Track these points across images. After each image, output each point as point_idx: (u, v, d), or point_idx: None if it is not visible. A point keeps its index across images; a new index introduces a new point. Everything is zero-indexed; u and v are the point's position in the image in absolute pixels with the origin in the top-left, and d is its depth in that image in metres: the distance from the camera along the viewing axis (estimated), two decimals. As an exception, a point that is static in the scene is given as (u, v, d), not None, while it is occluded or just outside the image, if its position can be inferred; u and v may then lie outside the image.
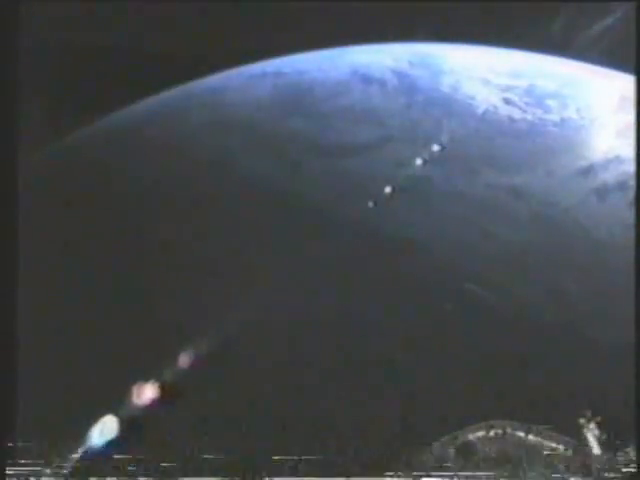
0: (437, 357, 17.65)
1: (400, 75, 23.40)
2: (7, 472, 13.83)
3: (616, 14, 19.52)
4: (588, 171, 21.11)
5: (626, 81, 20.53)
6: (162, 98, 22.33)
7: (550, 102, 22.33)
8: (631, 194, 19.87)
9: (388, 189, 20.06)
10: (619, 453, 15.75)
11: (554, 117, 22.13)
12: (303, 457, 15.26)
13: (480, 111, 22.32)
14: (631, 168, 20.09)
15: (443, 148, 20.88)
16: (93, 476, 14.92)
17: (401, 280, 19.06)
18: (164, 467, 14.89)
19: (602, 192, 20.80)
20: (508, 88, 22.58)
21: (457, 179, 21.07)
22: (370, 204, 19.83)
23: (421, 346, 17.88)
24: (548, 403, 16.51)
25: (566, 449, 16.02)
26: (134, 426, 15.74)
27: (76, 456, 15.05)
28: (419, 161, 20.68)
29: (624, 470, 15.48)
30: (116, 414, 15.67)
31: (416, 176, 20.51)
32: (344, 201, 20.38)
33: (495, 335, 17.89)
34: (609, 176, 20.95)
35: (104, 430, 15.61)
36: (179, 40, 20.62)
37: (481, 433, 16.27)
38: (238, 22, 20.74)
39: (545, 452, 15.99)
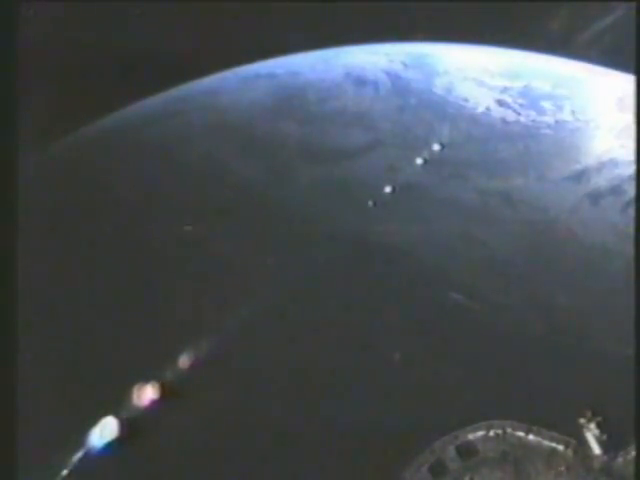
0: (434, 358, 17.68)
1: (394, 77, 23.38)
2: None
3: (616, 14, 19.63)
4: (581, 175, 21.04)
5: (623, 81, 20.59)
6: (158, 100, 22.27)
7: (545, 104, 22.26)
8: (625, 199, 19.94)
9: (388, 189, 20.10)
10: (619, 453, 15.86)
11: (548, 119, 22.10)
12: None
13: (473, 113, 22.33)
14: (626, 172, 20.17)
15: (443, 147, 20.90)
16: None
17: (388, 287, 19.09)
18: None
19: (595, 197, 20.74)
20: (503, 89, 22.55)
21: (447, 184, 21.05)
22: (370, 203, 19.87)
23: (418, 347, 17.92)
24: (548, 403, 16.56)
25: (566, 449, 16.08)
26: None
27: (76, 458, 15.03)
28: (410, 166, 20.71)
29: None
30: (116, 415, 15.65)
31: (406, 181, 20.53)
32: (336, 205, 20.38)
33: (488, 342, 17.93)
34: (603, 180, 20.88)
35: (104, 431, 15.57)
36: (177, 42, 20.67)
37: (481, 433, 16.32)
38: (235, 23, 20.78)
39: (545, 452, 16.07)
